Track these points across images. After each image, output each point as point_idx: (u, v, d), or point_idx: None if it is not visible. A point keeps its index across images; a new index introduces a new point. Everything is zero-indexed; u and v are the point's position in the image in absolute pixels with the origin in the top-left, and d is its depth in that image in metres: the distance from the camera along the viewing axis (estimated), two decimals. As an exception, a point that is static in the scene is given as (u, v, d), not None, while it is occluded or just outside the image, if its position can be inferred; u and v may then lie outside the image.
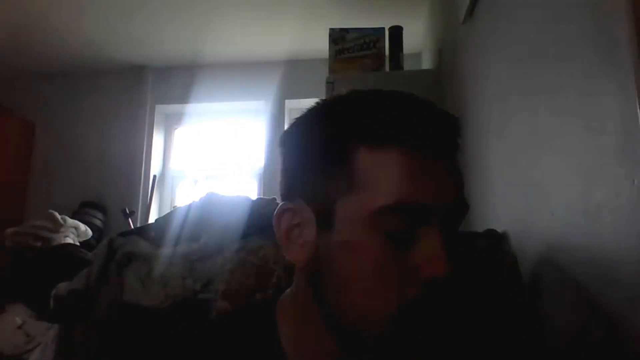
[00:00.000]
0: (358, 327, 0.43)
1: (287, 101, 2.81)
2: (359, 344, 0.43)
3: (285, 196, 0.49)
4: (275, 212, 0.49)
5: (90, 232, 1.99)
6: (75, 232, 1.90)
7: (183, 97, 2.89)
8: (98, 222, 2.60)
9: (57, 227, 1.79)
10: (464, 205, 0.44)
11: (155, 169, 2.90)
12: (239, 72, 2.87)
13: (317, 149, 0.46)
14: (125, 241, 1.00)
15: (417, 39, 2.47)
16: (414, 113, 0.44)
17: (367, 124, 0.43)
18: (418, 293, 0.41)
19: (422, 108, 0.45)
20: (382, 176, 0.42)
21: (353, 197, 0.42)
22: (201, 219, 0.99)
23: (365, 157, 0.42)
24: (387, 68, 1.91)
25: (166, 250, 0.95)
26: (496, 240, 0.86)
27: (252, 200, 1.03)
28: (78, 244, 1.87)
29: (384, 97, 0.45)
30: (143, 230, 1.05)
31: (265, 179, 2.70)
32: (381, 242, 0.41)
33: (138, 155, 2.86)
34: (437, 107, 0.46)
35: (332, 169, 0.44)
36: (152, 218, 2.66)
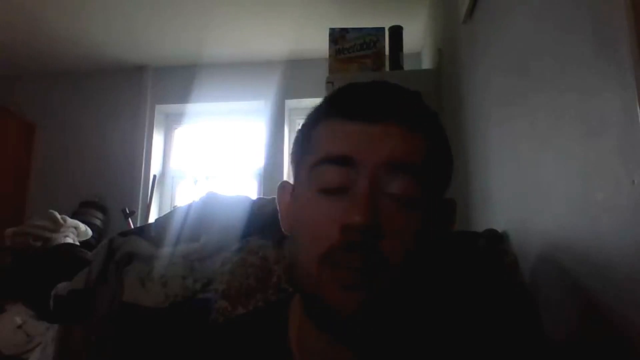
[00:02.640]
0: (306, 289, 0.47)
1: (287, 101, 2.81)
2: (325, 315, 0.46)
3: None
4: None
5: (90, 232, 1.99)
6: (75, 232, 1.90)
7: (183, 97, 2.89)
8: (98, 222, 2.60)
9: (57, 227, 1.80)
10: (402, 166, 0.46)
11: (155, 169, 2.90)
12: (239, 72, 2.87)
13: (299, 134, 0.55)
14: (125, 241, 1.00)
15: (417, 39, 2.48)
16: (359, 91, 0.51)
17: (326, 105, 0.53)
18: (338, 239, 0.44)
19: (371, 88, 0.51)
20: (322, 141, 0.49)
21: (305, 163, 0.50)
22: (201, 219, 0.99)
23: (318, 131, 0.51)
24: (387, 68, 1.90)
25: (166, 250, 0.95)
26: (496, 240, 0.86)
27: (252, 200, 1.03)
28: (78, 244, 1.87)
29: (352, 84, 0.53)
30: (143, 230, 1.05)
31: (265, 179, 2.70)
32: (316, 195, 0.47)
33: (138, 155, 2.85)
34: (391, 87, 0.52)
35: (304, 147, 0.52)
36: (152, 218, 2.66)
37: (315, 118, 0.53)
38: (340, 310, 0.44)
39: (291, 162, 0.56)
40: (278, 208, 0.56)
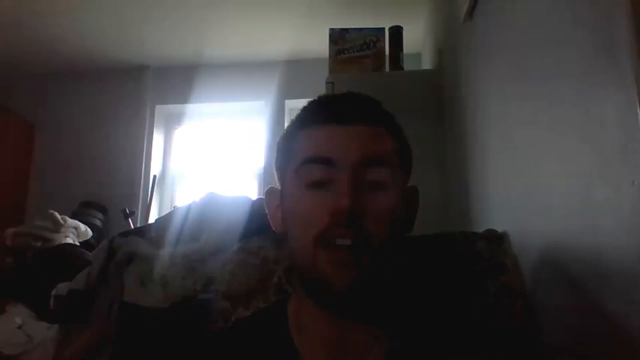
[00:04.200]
0: (305, 272, 0.55)
1: (287, 101, 2.81)
2: (324, 292, 0.53)
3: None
4: None
5: (90, 232, 2.00)
6: (75, 232, 1.90)
7: (183, 98, 2.89)
8: (98, 222, 2.60)
9: (57, 227, 1.80)
10: (375, 158, 0.55)
11: (155, 169, 2.90)
12: (239, 72, 2.87)
13: (280, 146, 0.63)
14: (125, 241, 1.00)
15: (417, 39, 2.47)
16: (328, 101, 0.62)
17: (303, 117, 0.61)
18: (327, 223, 0.52)
19: (338, 97, 0.62)
20: (304, 147, 0.57)
21: (291, 167, 0.58)
22: (201, 219, 0.99)
23: (299, 139, 0.59)
24: (387, 68, 1.90)
25: (166, 251, 0.96)
26: (496, 240, 0.86)
27: (252, 201, 1.04)
28: (78, 244, 1.87)
29: (321, 97, 0.63)
30: (143, 231, 1.06)
31: (265, 179, 2.70)
32: (304, 190, 0.55)
33: (138, 156, 2.85)
34: (355, 95, 0.61)
35: (288, 155, 0.60)
36: (152, 218, 2.65)
37: (294, 129, 0.61)
38: (336, 284, 0.51)
39: (276, 170, 0.64)
40: (267, 212, 0.63)
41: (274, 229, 0.63)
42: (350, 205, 0.51)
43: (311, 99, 0.63)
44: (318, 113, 0.60)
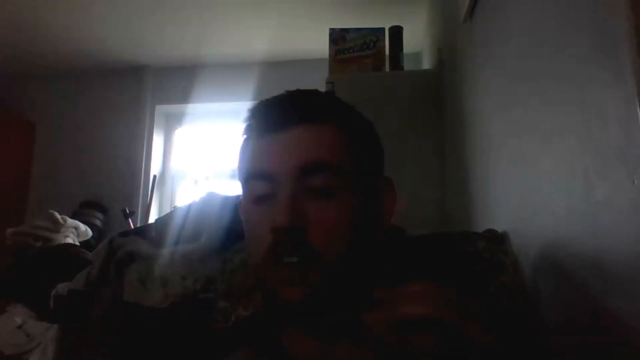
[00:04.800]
0: (262, 288, 0.55)
1: (287, 101, 2.81)
2: (278, 308, 0.53)
3: None
4: None
5: (90, 232, 2.00)
6: (75, 232, 1.90)
7: (183, 97, 2.89)
8: (98, 222, 2.60)
9: (57, 227, 1.80)
10: (315, 166, 0.51)
11: (155, 169, 2.90)
12: (239, 72, 2.87)
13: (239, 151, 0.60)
14: (125, 241, 1.00)
15: (417, 39, 2.47)
16: (265, 107, 0.57)
17: (245, 127, 0.58)
18: (271, 240, 0.50)
19: (275, 100, 0.57)
20: (247, 160, 0.56)
21: (241, 179, 0.57)
22: (201, 219, 0.99)
23: (243, 151, 0.57)
24: (387, 68, 1.90)
25: (166, 250, 0.95)
26: (496, 240, 0.86)
27: (252, 200, 1.03)
28: (78, 244, 1.87)
29: (261, 102, 0.58)
30: (143, 230, 1.06)
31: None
32: (251, 205, 0.54)
33: (138, 155, 2.86)
34: (295, 93, 0.57)
35: (239, 165, 0.58)
36: (152, 218, 2.65)
37: (243, 138, 0.59)
38: (288, 302, 0.50)
39: (238, 179, 0.61)
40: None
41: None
42: (287, 224, 0.48)
43: (255, 102, 0.59)
44: (255, 122, 0.57)
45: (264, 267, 0.51)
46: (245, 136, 0.58)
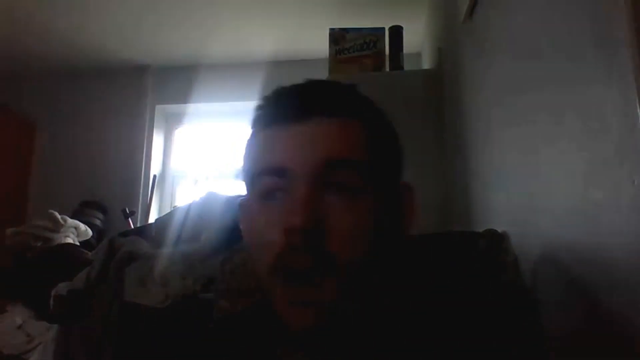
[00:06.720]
0: (265, 292, 0.47)
1: (287, 101, 2.81)
2: (280, 332, 0.46)
3: None
4: None
5: (90, 232, 1.99)
6: (75, 232, 1.90)
7: (183, 97, 2.89)
8: (98, 222, 2.60)
9: (57, 227, 1.80)
10: (340, 163, 0.45)
11: (155, 169, 2.90)
12: (239, 72, 2.87)
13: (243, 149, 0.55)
14: (125, 241, 1.00)
15: (417, 39, 2.47)
16: (285, 94, 0.51)
17: (257, 115, 0.52)
18: (283, 244, 0.43)
19: (296, 88, 0.51)
20: (259, 153, 0.49)
21: (248, 176, 0.51)
22: (201, 219, 0.99)
23: (254, 143, 0.51)
24: (387, 68, 1.90)
25: (166, 250, 0.96)
26: (496, 240, 0.86)
27: (252, 200, 1.03)
28: (78, 244, 1.87)
29: (278, 89, 0.52)
30: (143, 230, 1.06)
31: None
32: (259, 203, 0.48)
33: (138, 155, 2.85)
34: (318, 83, 0.52)
35: (246, 161, 0.52)
36: (152, 218, 2.65)
37: (251, 130, 0.52)
38: (290, 326, 0.44)
39: (242, 177, 0.55)
40: (241, 227, 0.55)
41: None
42: (303, 225, 0.42)
43: (269, 93, 0.52)
44: (273, 109, 0.50)
45: (270, 282, 0.45)
46: (254, 129, 0.51)
